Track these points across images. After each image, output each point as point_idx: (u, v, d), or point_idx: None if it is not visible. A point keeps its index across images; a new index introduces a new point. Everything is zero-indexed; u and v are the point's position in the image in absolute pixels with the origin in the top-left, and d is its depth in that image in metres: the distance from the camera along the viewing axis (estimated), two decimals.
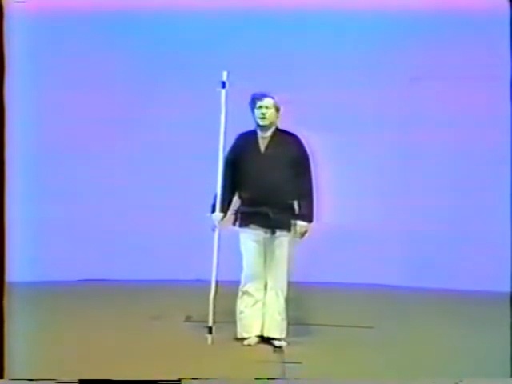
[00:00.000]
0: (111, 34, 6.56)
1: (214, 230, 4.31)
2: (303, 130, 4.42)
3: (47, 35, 6.33)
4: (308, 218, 4.31)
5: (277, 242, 4.29)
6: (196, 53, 6.42)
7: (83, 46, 6.51)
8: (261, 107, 4.26)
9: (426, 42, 6.39)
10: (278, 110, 4.31)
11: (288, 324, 4.39)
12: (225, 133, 4.30)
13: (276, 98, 4.30)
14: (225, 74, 4.29)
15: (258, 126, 4.32)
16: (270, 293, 4.33)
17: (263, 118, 4.27)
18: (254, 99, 4.29)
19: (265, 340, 4.35)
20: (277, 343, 4.32)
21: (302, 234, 4.34)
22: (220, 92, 4.28)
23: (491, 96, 6.01)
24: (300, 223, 4.30)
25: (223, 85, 4.29)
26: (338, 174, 6.14)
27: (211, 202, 4.34)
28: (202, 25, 6.40)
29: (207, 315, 4.29)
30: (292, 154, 4.29)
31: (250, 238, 4.32)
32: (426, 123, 6.50)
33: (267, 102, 4.27)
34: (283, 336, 4.35)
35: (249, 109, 4.32)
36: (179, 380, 3.37)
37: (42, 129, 6.39)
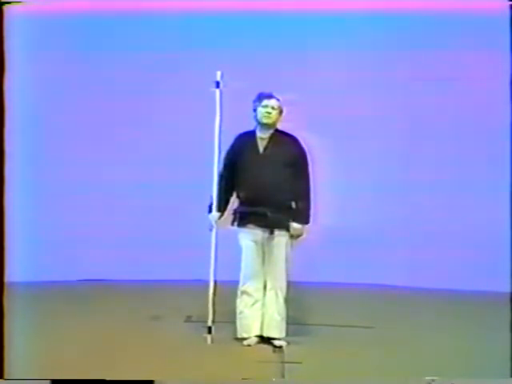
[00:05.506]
0: (109, 35, 6.55)
1: (211, 230, 4.32)
2: (301, 131, 4.42)
3: (47, 35, 6.33)
4: (304, 219, 4.30)
5: (275, 241, 4.28)
6: (192, 53, 6.42)
7: (81, 46, 6.51)
8: (267, 106, 4.26)
9: (425, 42, 6.39)
10: (281, 112, 4.32)
11: (288, 324, 4.38)
12: (220, 132, 4.30)
13: (281, 99, 4.31)
14: (218, 73, 4.31)
15: (260, 124, 4.31)
16: (270, 293, 4.32)
17: (268, 116, 4.26)
18: (262, 98, 4.28)
19: (264, 340, 4.34)
20: (277, 343, 4.31)
21: (297, 236, 4.32)
22: (214, 92, 4.29)
23: (491, 96, 6.01)
24: (294, 225, 4.28)
25: (217, 85, 4.30)
26: (338, 175, 6.14)
27: (208, 202, 4.35)
28: (197, 25, 6.41)
29: (207, 315, 4.29)
30: (290, 155, 4.28)
31: (248, 238, 4.31)
32: (426, 123, 6.51)
33: (274, 102, 4.28)
34: (283, 336, 4.35)
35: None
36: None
37: (42, 129, 6.39)
